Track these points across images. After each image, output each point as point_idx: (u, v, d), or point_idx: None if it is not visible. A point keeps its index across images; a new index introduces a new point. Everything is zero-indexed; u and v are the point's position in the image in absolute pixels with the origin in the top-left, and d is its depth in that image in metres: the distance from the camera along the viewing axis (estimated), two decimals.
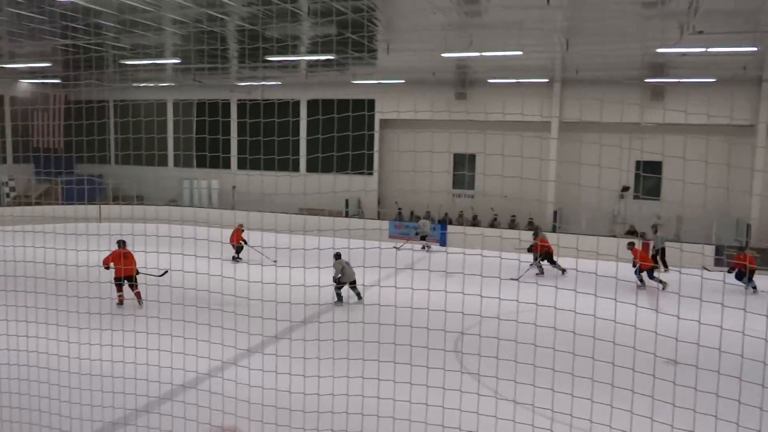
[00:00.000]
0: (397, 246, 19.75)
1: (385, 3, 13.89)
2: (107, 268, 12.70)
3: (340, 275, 13.46)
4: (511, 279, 9.78)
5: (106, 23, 16.70)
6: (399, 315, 5.96)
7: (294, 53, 19.99)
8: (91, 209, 25.96)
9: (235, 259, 18.79)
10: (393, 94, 25.98)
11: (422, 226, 22.81)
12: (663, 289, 16.22)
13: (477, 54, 17.85)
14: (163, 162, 30.23)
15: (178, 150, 30.22)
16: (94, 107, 28.98)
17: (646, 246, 19.65)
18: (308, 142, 26.10)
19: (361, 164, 26.17)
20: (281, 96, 27.20)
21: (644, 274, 16.61)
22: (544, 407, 5.73)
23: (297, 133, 26.92)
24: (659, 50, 16.78)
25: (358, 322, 6.90)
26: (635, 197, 23.59)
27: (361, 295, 13.73)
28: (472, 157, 25.26)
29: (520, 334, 6.06)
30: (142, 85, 29.81)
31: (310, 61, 21.74)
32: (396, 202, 26.27)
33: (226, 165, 28.67)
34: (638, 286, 16.48)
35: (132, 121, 26.40)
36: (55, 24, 17.09)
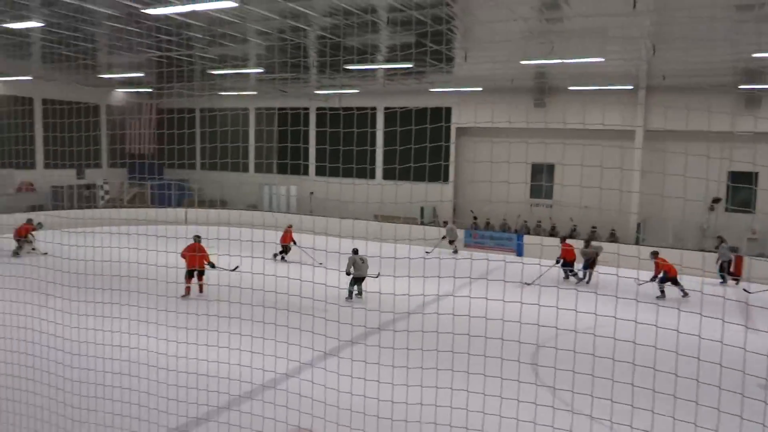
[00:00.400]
0: (428, 251, 19.89)
1: (464, 12, 13.88)
2: (185, 258, 14.33)
3: (352, 269, 13.97)
4: (525, 284, 9.63)
5: (196, 35, 17.53)
6: (473, 325, 5.93)
7: (373, 62, 20.29)
8: (178, 212, 27.23)
9: (278, 256, 19.51)
10: (470, 102, 25.86)
11: (450, 231, 22.84)
12: (683, 296, 15.46)
13: (558, 61, 17.51)
14: (244, 168, 31.33)
15: (259, 156, 31.23)
16: (184, 117, 30.52)
17: (739, 260, 18.70)
18: (384, 149, 26.35)
19: (437, 172, 26.17)
20: (359, 104, 27.64)
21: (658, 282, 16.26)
22: (623, 423, 5.54)
23: (374, 141, 27.23)
24: (755, 55, 15.91)
25: (432, 332, 6.91)
26: (726, 209, 22.39)
27: (362, 293, 14.04)
28: (551, 166, 24.76)
29: (598, 348, 5.90)
30: (226, 93, 31.03)
31: (388, 69, 21.98)
32: (471, 211, 26.07)
33: (305, 172, 29.40)
34: (657, 297, 15.93)
35: (216, 129, 27.59)
36: (149, 37, 18.11)
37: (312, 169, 29.26)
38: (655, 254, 16.55)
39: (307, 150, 29.11)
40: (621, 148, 21.38)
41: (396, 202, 24.12)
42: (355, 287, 14.30)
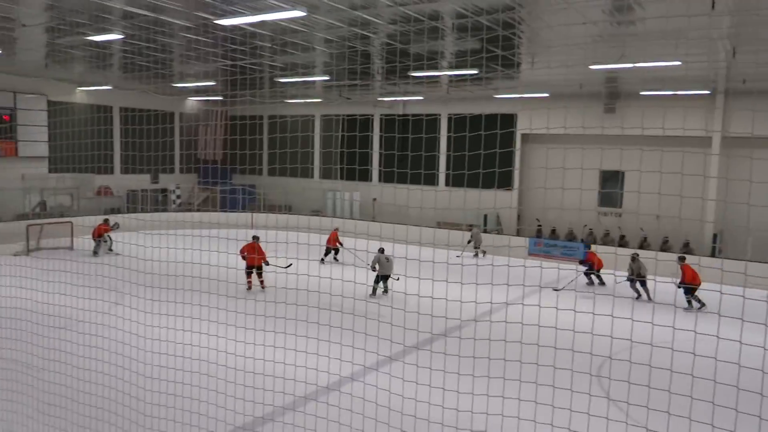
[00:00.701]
0: (459, 255, 19.65)
1: (531, 16, 13.66)
2: (243, 258, 15.70)
3: (377, 266, 15.18)
4: (553, 289, 9.50)
5: (264, 44, 17.98)
6: (541, 335, 5.78)
7: (437, 69, 20.25)
8: (246, 216, 27.92)
9: (324, 259, 20.03)
10: (536, 108, 25.42)
11: (474, 235, 22.76)
12: (699, 309, 15.58)
13: (629, 65, 16.97)
14: (309, 174, 31.85)
15: (324, 162, 31.68)
16: (252, 124, 31.34)
17: None
18: (448, 156, 26.22)
19: (501, 179, 25.82)
20: (422, 111, 27.64)
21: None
22: None
23: (437, 147, 27.14)
24: None
25: (500, 340, 6.78)
26: None
27: (388, 290, 15.22)
28: (621, 173, 23.98)
29: (660, 361, 5.63)
30: (293, 101, 31.66)
31: (452, 76, 21.88)
32: (537, 219, 25.56)
33: (368, 178, 29.61)
34: (685, 309, 15.81)
35: (282, 135, 28.19)
36: (220, 47, 18.71)
37: (375, 175, 29.46)
38: (682, 259, 16.39)
39: (370, 156, 29.32)
40: (696, 155, 20.51)
41: (461, 207, 23.94)
42: (381, 284, 15.28)
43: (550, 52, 17.38)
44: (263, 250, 15.88)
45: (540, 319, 5.80)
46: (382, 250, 15.51)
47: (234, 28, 15.38)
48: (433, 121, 27.38)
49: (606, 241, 23.90)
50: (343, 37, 16.79)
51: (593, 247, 19.77)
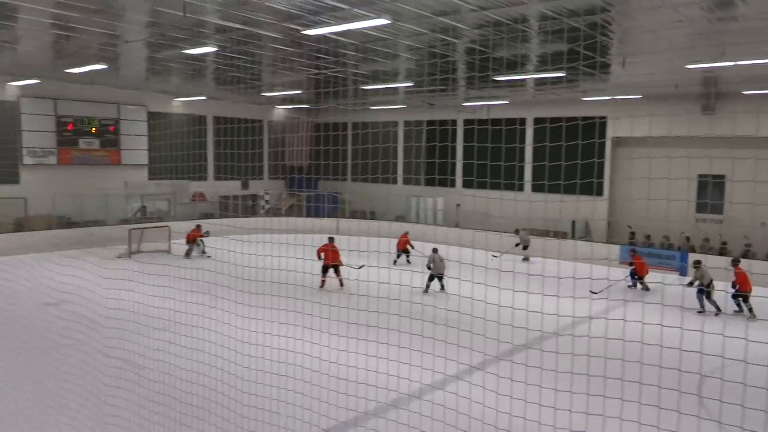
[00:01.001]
0: (495, 255, 19.33)
1: (622, 16, 13.18)
2: (320, 257, 16.85)
3: (432, 265, 15.93)
4: (591, 292, 9.08)
5: (349, 52, 18.33)
6: (627, 349, 5.56)
7: (522, 72, 19.91)
8: (331, 223, 28.51)
9: (396, 262, 20.89)
10: (627, 110, 24.45)
11: (522, 237, 22.68)
12: (716, 314, 14.88)
13: (730, 63, 16.02)
14: (393, 180, 32.09)
15: (407, 168, 31.83)
16: (340, 131, 32.00)
17: None
18: (534, 159, 25.62)
19: (590, 185, 24.97)
20: (507, 115, 27.21)
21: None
22: None
23: (522, 152, 26.61)
24: None
25: (583, 355, 6.58)
26: None
27: (444, 288, 15.84)
28: (720, 178, 22.62)
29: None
30: (376, 108, 32.05)
31: (538, 79, 21.45)
32: (628, 226, 24.52)
33: (452, 184, 29.47)
34: (735, 311, 15.03)
35: (366, 141, 28.60)
36: (307, 56, 19.25)
37: (459, 181, 29.29)
38: (736, 262, 15.59)
39: (454, 162, 29.18)
40: None
41: (545, 216, 23.38)
42: (436, 283, 15.99)
43: (643, 53, 16.69)
44: (338, 249, 17.06)
45: (625, 333, 5.58)
46: (435, 250, 16.50)
47: (320, 37, 15.78)
48: (518, 125, 26.91)
49: (705, 249, 22.57)
50: (427, 43, 16.84)
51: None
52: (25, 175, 24.84)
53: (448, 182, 29.62)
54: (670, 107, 22.72)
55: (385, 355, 6.74)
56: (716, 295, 15.05)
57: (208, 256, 21.83)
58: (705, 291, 15.31)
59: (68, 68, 21.78)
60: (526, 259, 22.61)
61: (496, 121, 26.64)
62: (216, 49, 17.47)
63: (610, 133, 24.68)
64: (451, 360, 6.28)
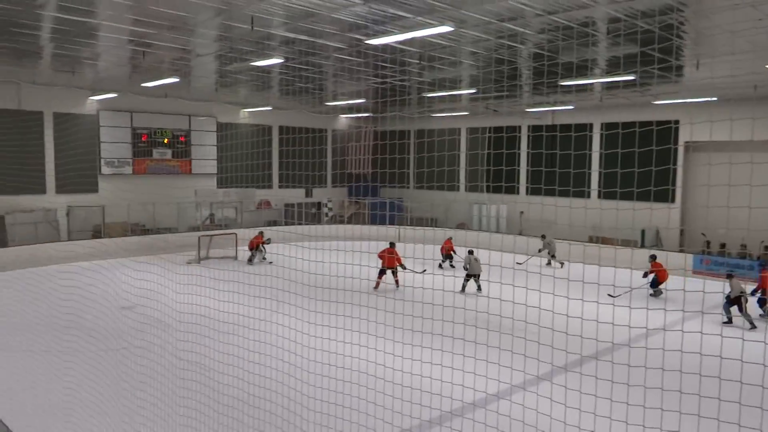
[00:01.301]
0: (519, 262, 18.73)
1: (696, 15, 12.67)
2: (381, 259, 17.99)
3: (468, 266, 17.20)
4: (609, 295, 8.54)
5: (412, 60, 18.39)
6: (703, 363, 5.30)
7: (590, 76, 19.44)
8: (393, 230, 28.57)
9: (442, 266, 22.11)
10: (702, 114, 23.45)
11: (547, 245, 22.64)
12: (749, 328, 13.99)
13: None
14: (455, 188, 31.90)
15: (470, 175, 31.56)
16: (404, 139, 32.13)
17: None
18: (601, 165, 24.90)
19: (662, 192, 24.05)
20: (573, 120, 26.60)
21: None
22: None
23: (589, 158, 25.91)
24: None
25: (657, 368, 6.32)
26: None
27: (481, 288, 16.77)
28: None
29: None
30: (438, 114, 31.98)
31: (607, 83, 20.87)
32: (703, 234, 23.47)
33: (515, 191, 29.02)
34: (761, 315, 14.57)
35: (429, 148, 28.52)
36: (370, 65, 19.44)
37: (523, 188, 28.81)
38: (764, 264, 15.34)
39: (517, 169, 28.74)
40: None
41: (615, 225, 22.68)
42: (473, 283, 17.02)
43: (719, 54, 15.99)
44: (398, 253, 18.16)
45: (702, 347, 5.32)
46: (471, 252, 17.78)
47: (383, 46, 15.91)
48: (584, 130, 26.24)
49: None
50: (491, 49, 16.70)
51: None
52: (103, 184, 26.11)
53: (511, 189, 29.18)
54: (749, 110, 21.65)
55: (449, 364, 6.69)
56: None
57: (270, 262, 22.30)
58: (731, 302, 14.98)
59: (143, 82, 22.81)
60: (549, 263, 22.38)
61: (561, 127, 26.11)
62: (282, 61, 17.89)
63: (683, 137, 23.73)
64: (517, 370, 6.16)
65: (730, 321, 14.93)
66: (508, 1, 11.93)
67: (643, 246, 24.07)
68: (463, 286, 17.16)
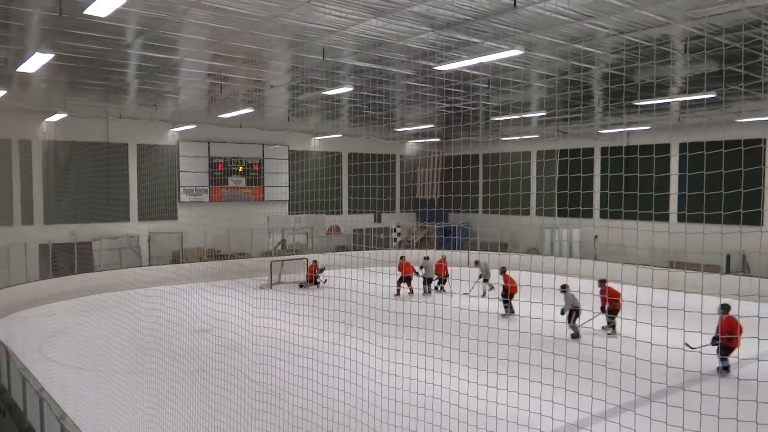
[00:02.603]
0: (466, 293, 17.91)
1: None
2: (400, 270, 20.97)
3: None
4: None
5: (481, 85, 18.38)
6: None
7: (665, 95, 18.81)
8: (462, 255, 28.31)
9: (438, 289, 22.55)
10: None
11: (482, 267, 21.59)
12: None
13: None
14: (525, 212, 31.36)
15: (540, 199, 30.96)
16: (470, 164, 32.01)
17: None
18: (680, 187, 23.87)
19: (749, 213, 22.75)
20: (649, 141, 25.72)
21: None
22: None
23: (667, 180, 24.92)
24: None
25: (751, 400, 5.94)
26: None
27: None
28: None
29: None
30: (507, 139, 31.66)
31: (684, 102, 20.11)
32: None
33: (588, 215, 28.21)
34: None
35: (498, 172, 28.24)
36: (439, 91, 19.56)
37: (597, 212, 27.98)
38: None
39: (590, 192, 27.97)
40: None
41: (694, 249, 21.57)
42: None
43: None
44: (411, 265, 21.53)
45: None
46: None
47: (451, 72, 16.00)
48: (661, 152, 25.30)
49: None
50: (560, 71, 16.49)
51: None
52: (182, 211, 27.23)
53: (584, 213, 28.38)
54: None
55: (525, 391, 6.51)
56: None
57: (325, 281, 22.73)
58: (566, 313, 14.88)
59: (220, 113, 23.80)
60: (490, 288, 21.12)
61: (636, 149, 25.30)
62: (352, 89, 18.30)
63: None
64: (598, 399, 5.93)
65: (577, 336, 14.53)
66: (579, 22, 11.80)
67: (728, 272, 22.82)
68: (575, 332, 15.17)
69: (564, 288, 14.81)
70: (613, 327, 14.99)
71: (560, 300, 14.25)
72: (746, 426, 5.63)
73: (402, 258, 22.07)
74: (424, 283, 21.48)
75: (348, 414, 8.13)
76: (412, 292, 20.81)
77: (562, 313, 14.90)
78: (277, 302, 11.75)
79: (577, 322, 15.04)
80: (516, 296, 16.98)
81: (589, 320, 14.51)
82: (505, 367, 6.83)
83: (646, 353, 6.26)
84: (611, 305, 14.83)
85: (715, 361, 10.11)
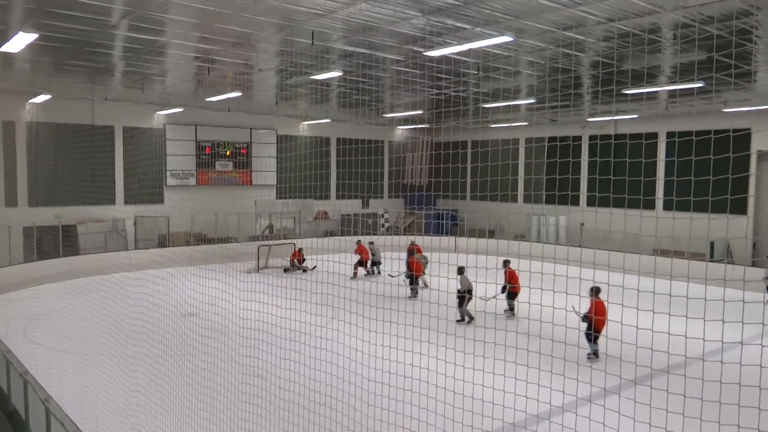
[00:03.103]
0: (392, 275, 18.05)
1: None
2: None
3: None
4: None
5: (470, 71, 18.33)
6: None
7: (654, 84, 18.89)
8: (449, 241, 28.42)
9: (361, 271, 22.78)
10: None
11: (375, 251, 23.08)
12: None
13: None
14: (513, 198, 31.47)
15: (528, 186, 31.05)
16: (459, 150, 32.01)
17: None
18: (666, 175, 24.05)
19: (733, 201, 22.98)
20: (637, 129, 25.86)
21: None
22: None
23: (654, 168, 25.08)
24: None
25: (734, 383, 6.04)
26: None
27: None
28: None
29: None
30: (496, 126, 31.69)
31: (672, 91, 20.21)
32: None
33: (575, 202, 28.37)
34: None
35: (486, 158, 28.27)
36: (428, 77, 19.49)
37: (583, 198, 28.12)
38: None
39: (578, 179, 28.10)
40: None
41: (677, 235, 21.80)
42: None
43: None
44: (366, 248, 22.77)
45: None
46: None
47: (441, 57, 15.93)
48: (649, 140, 25.44)
49: None
50: (550, 58, 16.48)
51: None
52: (169, 195, 27.05)
53: (570, 200, 28.52)
54: None
55: (512, 374, 6.56)
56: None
57: (314, 267, 22.78)
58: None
59: (207, 97, 23.58)
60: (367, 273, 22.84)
61: (624, 137, 25.42)
62: (341, 74, 18.16)
63: (756, 146, 22.70)
64: (584, 382, 6.00)
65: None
66: (569, 9, 11.77)
67: (712, 259, 23.10)
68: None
69: (461, 270, 14.82)
70: (512, 309, 15.43)
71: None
72: (728, 408, 5.73)
73: (359, 242, 23.41)
74: (372, 265, 22.97)
75: (334, 396, 8.16)
76: (368, 273, 22.60)
77: (503, 291, 15.30)
78: (265, 285, 11.75)
79: (469, 306, 14.75)
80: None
81: (491, 298, 14.37)
82: (491, 351, 6.89)
83: (631, 338, 6.33)
84: (511, 289, 15.42)
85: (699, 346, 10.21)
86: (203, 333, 12.12)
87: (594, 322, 10.67)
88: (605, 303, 10.83)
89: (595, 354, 11.05)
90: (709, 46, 13.61)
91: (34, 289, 19.49)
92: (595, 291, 11.50)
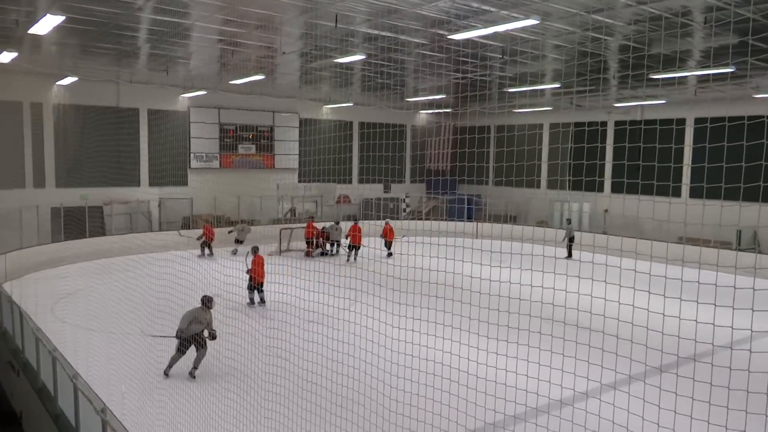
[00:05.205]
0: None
1: None
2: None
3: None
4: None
5: (495, 55, 18.13)
6: None
7: (684, 69, 18.49)
8: (469, 226, 28.31)
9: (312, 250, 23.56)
10: None
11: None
12: None
13: None
14: (536, 184, 31.18)
15: (552, 172, 30.74)
16: (483, 135, 31.74)
17: None
18: (694, 161, 23.58)
19: (765, 190, 22.47)
20: (664, 115, 25.39)
21: None
22: None
23: (681, 154, 24.63)
24: None
25: (762, 372, 5.96)
26: None
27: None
28: None
29: None
30: (520, 111, 31.35)
31: (701, 76, 19.77)
32: None
33: (600, 188, 28.02)
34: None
35: (509, 143, 28.01)
36: (452, 60, 19.33)
37: (608, 184, 27.75)
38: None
39: (603, 165, 27.72)
40: None
41: (703, 223, 21.42)
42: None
43: None
44: (315, 227, 23.60)
45: None
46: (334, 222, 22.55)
47: (466, 41, 15.78)
48: (677, 126, 24.96)
49: None
50: (577, 42, 16.23)
51: None
52: (192, 177, 27.30)
53: (595, 186, 28.16)
54: None
55: (536, 360, 6.56)
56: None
57: (337, 251, 23.10)
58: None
59: (231, 80, 23.67)
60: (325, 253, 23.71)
61: (652, 122, 25.02)
62: (364, 57, 18.10)
63: None
64: (608, 368, 5.96)
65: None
66: None
67: (739, 247, 22.72)
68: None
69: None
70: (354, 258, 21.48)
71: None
72: (757, 397, 5.66)
73: (311, 218, 25.20)
74: (331, 245, 23.64)
75: (356, 378, 8.22)
76: (323, 253, 23.64)
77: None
78: (287, 267, 11.82)
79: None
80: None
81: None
82: (515, 335, 6.87)
83: (658, 325, 6.27)
84: (352, 240, 21.67)
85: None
86: (227, 313, 12.27)
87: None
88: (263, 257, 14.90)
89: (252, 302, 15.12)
90: (743, 29, 13.28)
91: (62, 268, 19.86)
92: (255, 250, 15.63)
